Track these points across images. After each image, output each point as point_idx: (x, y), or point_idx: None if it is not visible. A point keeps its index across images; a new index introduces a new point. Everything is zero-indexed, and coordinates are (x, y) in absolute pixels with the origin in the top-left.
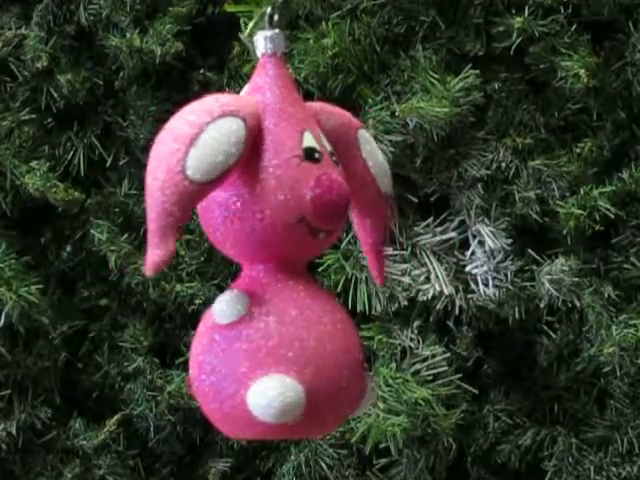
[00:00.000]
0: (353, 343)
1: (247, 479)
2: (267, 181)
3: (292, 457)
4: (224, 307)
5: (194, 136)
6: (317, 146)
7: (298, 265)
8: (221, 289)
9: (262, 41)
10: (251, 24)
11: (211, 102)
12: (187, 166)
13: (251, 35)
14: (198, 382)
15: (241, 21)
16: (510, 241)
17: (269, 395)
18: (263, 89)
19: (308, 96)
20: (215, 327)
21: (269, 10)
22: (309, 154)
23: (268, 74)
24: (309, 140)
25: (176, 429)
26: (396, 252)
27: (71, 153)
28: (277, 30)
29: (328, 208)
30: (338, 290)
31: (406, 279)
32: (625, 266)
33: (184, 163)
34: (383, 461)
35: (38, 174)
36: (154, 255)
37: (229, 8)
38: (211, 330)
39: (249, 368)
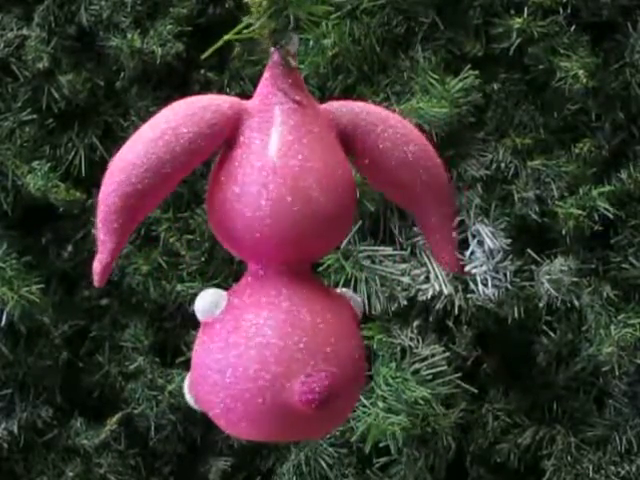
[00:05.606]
0: None
1: (247, 478)
2: None
3: (292, 456)
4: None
5: None
6: None
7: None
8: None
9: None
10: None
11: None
12: None
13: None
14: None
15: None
16: (509, 241)
17: None
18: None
19: None
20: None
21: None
22: None
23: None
24: None
25: (177, 428)
26: (396, 252)
27: (72, 153)
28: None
29: None
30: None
31: (406, 279)
32: (624, 266)
33: None
34: (383, 460)
35: (39, 174)
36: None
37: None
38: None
39: None
